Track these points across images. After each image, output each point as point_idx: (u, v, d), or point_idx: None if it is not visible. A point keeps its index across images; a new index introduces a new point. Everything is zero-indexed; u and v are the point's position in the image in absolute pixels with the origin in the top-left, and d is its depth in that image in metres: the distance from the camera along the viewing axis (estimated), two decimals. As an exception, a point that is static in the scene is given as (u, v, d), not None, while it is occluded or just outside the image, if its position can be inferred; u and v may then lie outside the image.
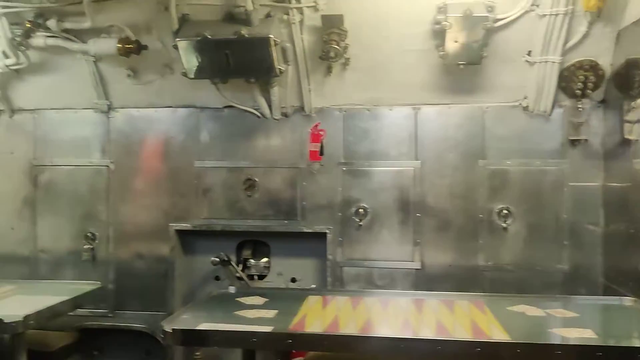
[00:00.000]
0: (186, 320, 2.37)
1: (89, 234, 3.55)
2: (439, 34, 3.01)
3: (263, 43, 2.95)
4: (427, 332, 2.25)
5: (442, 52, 3.01)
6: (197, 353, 3.52)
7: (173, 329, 2.24)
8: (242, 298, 2.80)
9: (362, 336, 2.17)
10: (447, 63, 3.04)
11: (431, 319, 2.44)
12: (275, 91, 3.27)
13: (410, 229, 3.27)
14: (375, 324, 2.40)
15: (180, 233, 3.51)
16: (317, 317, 2.46)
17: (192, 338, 2.27)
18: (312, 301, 2.75)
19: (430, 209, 3.26)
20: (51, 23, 3.13)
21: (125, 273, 3.53)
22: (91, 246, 3.53)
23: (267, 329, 2.24)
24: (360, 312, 2.56)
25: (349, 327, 2.31)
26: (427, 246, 3.26)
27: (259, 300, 2.76)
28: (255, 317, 2.43)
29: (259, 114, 3.39)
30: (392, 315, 2.53)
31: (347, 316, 2.47)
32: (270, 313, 2.50)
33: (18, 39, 3.12)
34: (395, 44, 3.11)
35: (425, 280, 3.24)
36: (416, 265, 3.27)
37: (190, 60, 3.05)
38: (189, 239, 3.56)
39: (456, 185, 3.25)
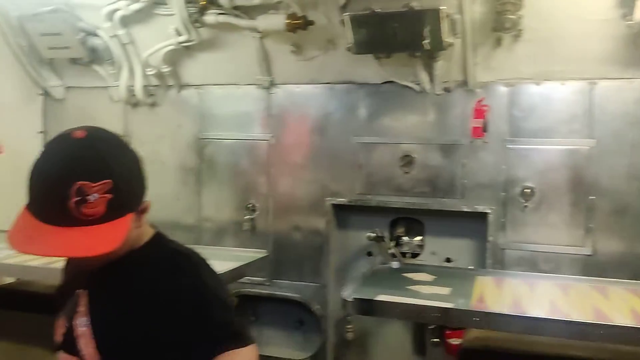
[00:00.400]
0: (364, 291, 2.40)
1: (249, 205, 3.68)
2: (627, 2, 2.76)
3: (433, 15, 2.88)
4: (623, 320, 2.10)
5: (629, 22, 2.78)
6: (349, 326, 3.57)
7: (354, 298, 2.27)
8: (409, 274, 2.79)
9: (558, 320, 2.07)
10: (636, 33, 2.80)
11: (622, 306, 2.28)
12: (439, 65, 3.18)
13: (582, 212, 3.07)
14: (561, 307, 2.29)
15: (336, 207, 3.56)
16: (495, 297, 2.39)
17: (372, 308, 2.30)
18: (483, 281, 2.68)
19: (606, 191, 3.04)
20: (223, 0, 3.24)
21: (282, 244, 3.64)
22: (251, 217, 3.66)
23: (449, 305, 2.21)
24: (540, 295, 2.46)
25: (534, 310, 2.22)
26: (600, 231, 3.04)
27: (427, 277, 2.73)
28: (431, 293, 2.41)
29: (419, 89, 3.32)
30: (577, 300, 2.40)
31: (527, 299, 2.38)
32: (444, 290, 2.47)
33: (194, 16, 3.26)
34: (574, 14, 2.91)
35: (597, 268, 3.03)
36: (587, 251, 3.06)
37: (356, 35, 3.03)
38: (343, 214, 3.60)
39: (637, 166, 3.00)
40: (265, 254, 3.25)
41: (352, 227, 3.62)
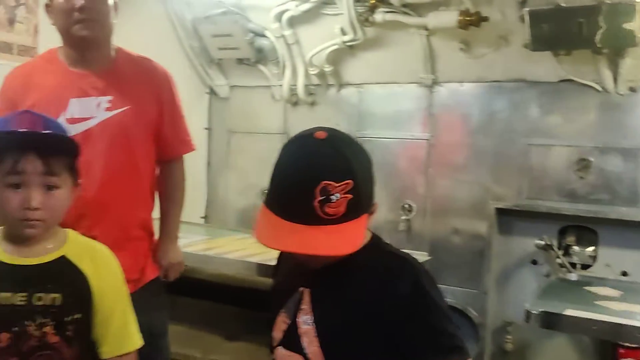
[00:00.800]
0: (546, 303, 2.27)
1: (406, 205, 3.63)
2: None
3: (627, 10, 2.65)
4: None
5: None
6: (509, 336, 3.42)
7: (540, 311, 2.15)
8: (590, 287, 2.60)
9: None
10: None
11: None
12: (626, 63, 2.93)
13: None
14: None
15: (499, 211, 3.40)
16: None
17: (559, 323, 2.16)
18: (678, 300, 2.43)
19: None
20: (394, -1, 3.22)
21: (439, 246, 3.55)
22: (408, 217, 3.62)
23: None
24: None
25: None
26: None
27: (612, 291, 2.53)
28: (623, 310, 2.22)
29: (600, 88, 3.08)
30: None
31: None
32: (637, 308, 2.26)
33: (363, 15, 3.26)
34: None
35: None
36: None
37: (536, 31, 2.87)
38: (507, 219, 3.43)
39: None
40: (428, 257, 3.19)
41: (515, 232, 3.44)
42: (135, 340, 1.52)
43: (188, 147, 2.34)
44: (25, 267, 1.39)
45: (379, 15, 3.28)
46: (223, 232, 3.91)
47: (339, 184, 1.18)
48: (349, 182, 1.19)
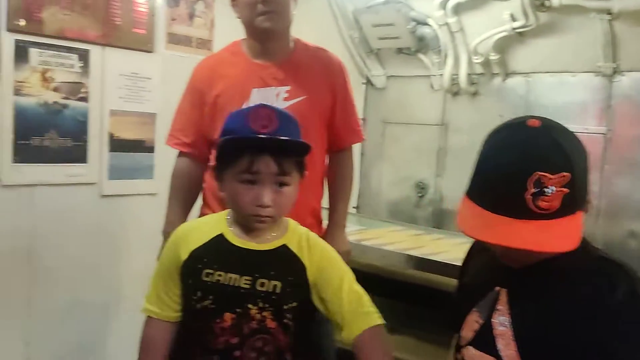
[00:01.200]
0: None
1: (577, 204, 3.37)
2: None
3: None
4: None
5: None
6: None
7: None
8: None
9: None
10: None
11: None
12: None
13: None
14: None
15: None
16: None
17: None
18: None
19: None
20: (575, -18, 2.98)
21: (613, 251, 3.04)
22: (579, 217, 3.35)
23: None
24: None
25: None
26: None
27: None
28: None
29: None
30: None
31: None
32: None
33: (538, 0, 3.06)
34: None
35: None
36: None
37: None
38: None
39: None
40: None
41: None
42: (373, 318, 1.43)
43: (358, 137, 2.34)
44: (251, 252, 1.45)
45: (556, 0, 3.06)
46: (375, 223, 3.90)
47: (555, 176, 1.09)
48: (566, 174, 1.09)
